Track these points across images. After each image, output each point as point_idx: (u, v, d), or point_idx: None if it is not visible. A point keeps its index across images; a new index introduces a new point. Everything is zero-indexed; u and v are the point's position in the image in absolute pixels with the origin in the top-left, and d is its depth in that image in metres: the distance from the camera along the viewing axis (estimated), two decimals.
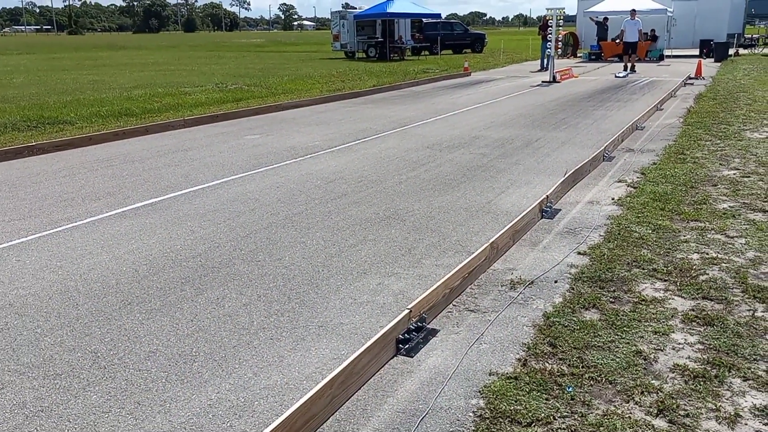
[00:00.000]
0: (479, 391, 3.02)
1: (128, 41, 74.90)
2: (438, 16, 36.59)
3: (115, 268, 4.72)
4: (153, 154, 9.08)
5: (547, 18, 20.78)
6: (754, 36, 33.14)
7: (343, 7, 37.74)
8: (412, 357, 3.36)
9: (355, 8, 36.10)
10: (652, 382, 3.04)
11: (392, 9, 31.10)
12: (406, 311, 3.48)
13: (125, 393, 3.07)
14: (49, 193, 6.95)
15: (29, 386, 3.14)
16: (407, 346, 3.41)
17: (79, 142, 9.82)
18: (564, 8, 20.19)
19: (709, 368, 3.14)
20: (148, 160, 8.65)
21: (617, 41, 24.24)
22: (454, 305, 3.98)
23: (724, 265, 4.49)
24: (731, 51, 28.01)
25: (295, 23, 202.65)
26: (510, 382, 3.06)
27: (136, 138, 10.50)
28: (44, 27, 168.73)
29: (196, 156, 8.88)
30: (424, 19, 36.07)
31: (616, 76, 20.28)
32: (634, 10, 22.89)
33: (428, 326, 3.64)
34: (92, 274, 4.60)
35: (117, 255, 4.99)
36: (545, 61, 22.92)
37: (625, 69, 21.52)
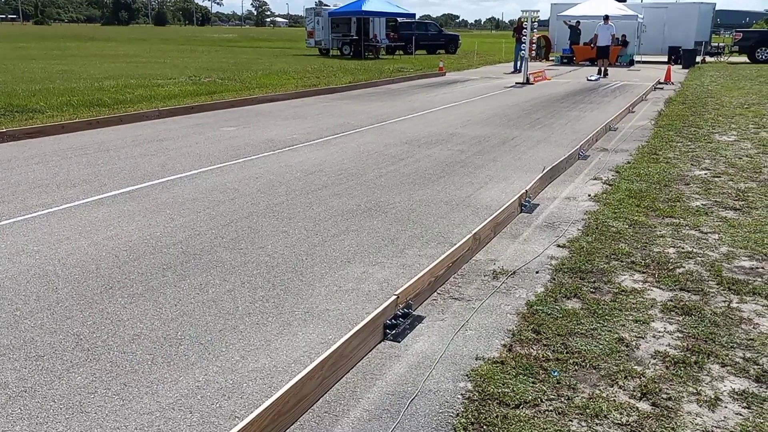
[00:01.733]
0: (467, 375, 3.06)
1: (97, 33, 73.40)
2: (412, 16, 36.72)
3: (94, 253, 4.65)
4: (128, 144, 8.95)
5: (522, 20, 21.01)
6: (720, 44, 33.94)
7: (317, 4, 37.65)
8: (399, 342, 3.38)
9: (329, 6, 36.03)
10: (635, 367, 3.12)
11: (367, 7, 31.14)
12: (394, 297, 3.50)
13: (110, 374, 3.04)
14: (22, 180, 6.81)
15: (10, 367, 3.09)
16: (394, 331, 3.43)
17: (52, 130, 9.63)
18: (539, 11, 20.44)
19: (689, 355, 3.23)
20: (124, 149, 8.53)
21: (591, 45, 24.63)
22: (438, 293, 4.02)
23: (699, 258, 4.61)
24: (698, 58, 28.67)
25: (268, 20, 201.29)
26: (497, 366, 3.10)
27: (110, 127, 10.33)
28: (9, 16, 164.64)
29: (172, 146, 8.78)
30: (398, 19, 36.19)
31: (588, 79, 20.60)
32: (607, 16, 23.29)
33: (414, 313, 3.67)
34: (71, 259, 4.53)
35: (96, 241, 4.91)
36: (519, 63, 23.17)
37: (599, 73, 21.85)
